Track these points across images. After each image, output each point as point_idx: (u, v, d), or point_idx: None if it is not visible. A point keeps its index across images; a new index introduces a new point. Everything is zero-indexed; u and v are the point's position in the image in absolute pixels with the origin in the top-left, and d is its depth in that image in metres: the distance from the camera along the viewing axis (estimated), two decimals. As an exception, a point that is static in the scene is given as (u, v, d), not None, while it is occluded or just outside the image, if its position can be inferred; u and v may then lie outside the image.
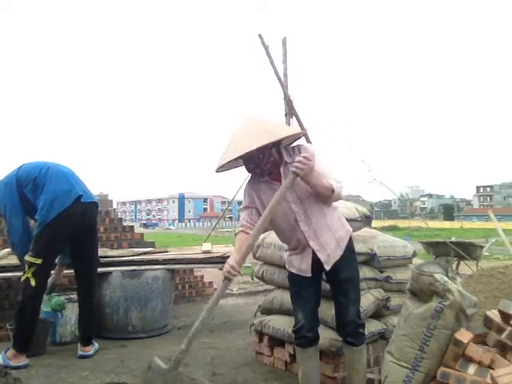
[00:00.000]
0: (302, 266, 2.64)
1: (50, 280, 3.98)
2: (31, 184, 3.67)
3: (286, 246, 2.76)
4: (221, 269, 5.84)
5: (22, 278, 3.62)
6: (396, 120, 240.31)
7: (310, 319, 2.65)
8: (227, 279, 2.46)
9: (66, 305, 4.16)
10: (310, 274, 2.62)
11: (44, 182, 3.66)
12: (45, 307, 3.97)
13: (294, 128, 2.58)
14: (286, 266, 2.78)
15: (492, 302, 3.00)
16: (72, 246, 3.90)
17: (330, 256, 2.60)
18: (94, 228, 4.01)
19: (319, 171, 2.44)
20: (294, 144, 2.66)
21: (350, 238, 2.71)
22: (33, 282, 3.56)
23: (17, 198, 3.68)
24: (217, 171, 2.59)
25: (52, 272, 3.96)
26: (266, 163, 2.50)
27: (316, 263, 2.60)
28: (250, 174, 2.65)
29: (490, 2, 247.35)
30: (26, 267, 3.60)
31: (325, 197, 2.51)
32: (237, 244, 2.60)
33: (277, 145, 2.50)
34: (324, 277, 2.73)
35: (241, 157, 2.45)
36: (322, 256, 2.58)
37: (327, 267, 2.61)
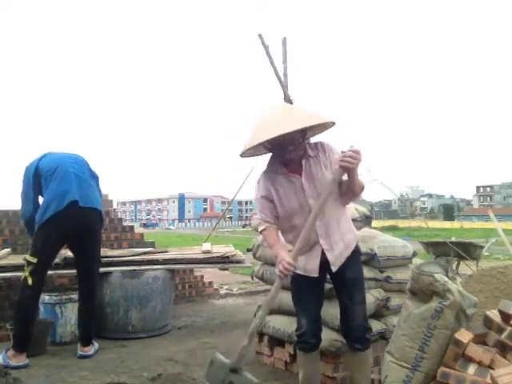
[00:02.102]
0: (308, 265, 2.55)
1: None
2: (43, 179, 3.78)
3: (289, 246, 2.64)
4: (221, 269, 5.88)
5: (22, 278, 3.66)
6: (396, 120, 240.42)
7: (313, 325, 2.60)
8: (283, 277, 2.39)
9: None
10: (317, 275, 2.54)
11: (50, 181, 3.74)
12: None
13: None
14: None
15: (492, 302, 3.00)
16: (73, 247, 3.94)
17: (337, 257, 2.54)
18: (97, 231, 4.01)
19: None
20: (311, 140, 2.59)
21: (357, 243, 2.68)
22: (30, 281, 3.59)
23: (31, 185, 3.79)
24: (242, 155, 2.47)
25: (50, 272, 3.97)
26: (296, 151, 2.42)
27: (322, 264, 2.54)
28: (267, 165, 2.55)
29: (489, 1, 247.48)
30: (25, 266, 3.64)
31: (353, 194, 2.49)
32: (270, 240, 2.52)
33: (304, 135, 2.43)
34: (328, 279, 2.70)
35: (271, 142, 2.35)
36: (330, 256, 2.52)
37: (334, 268, 2.54)
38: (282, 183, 2.48)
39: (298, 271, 2.54)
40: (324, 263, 2.53)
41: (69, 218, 3.68)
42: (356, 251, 2.65)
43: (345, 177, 2.42)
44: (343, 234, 2.56)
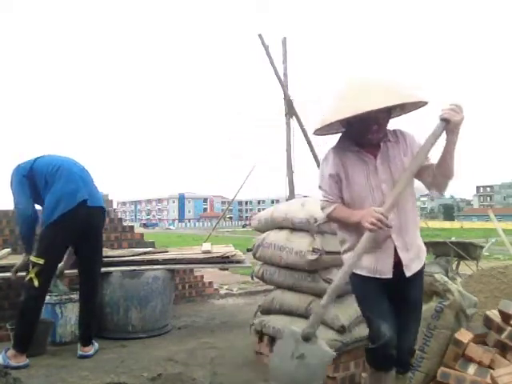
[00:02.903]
0: (379, 265, 2.14)
1: (59, 265, 4.05)
2: (43, 179, 3.70)
3: (345, 245, 2.26)
4: (221, 269, 5.88)
5: (26, 278, 3.63)
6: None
7: (394, 332, 2.12)
8: (374, 230, 2.00)
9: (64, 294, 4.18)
10: (390, 275, 2.14)
11: (53, 181, 3.67)
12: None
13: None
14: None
15: (492, 302, 3.00)
16: (78, 246, 3.92)
17: (411, 261, 2.16)
18: (100, 231, 4.02)
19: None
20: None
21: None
22: (36, 283, 3.56)
23: (25, 184, 3.70)
24: (316, 132, 2.20)
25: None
26: (379, 132, 2.11)
27: (394, 266, 2.15)
28: (338, 142, 2.25)
29: (489, 2, 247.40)
30: (30, 267, 3.61)
31: (445, 177, 2.14)
32: (344, 213, 2.17)
33: (389, 115, 2.15)
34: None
35: (353, 119, 2.01)
36: (404, 257, 2.13)
37: (408, 273, 2.14)
38: (352, 161, 2.16)
39: (362, 272, 2.18)
40: (395, 264, 2.15)
41: (78, 217, 3.65)
42: (423, 267, 2.26)
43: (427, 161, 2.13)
44: (417, 237, 2.24)
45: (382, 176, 2.13)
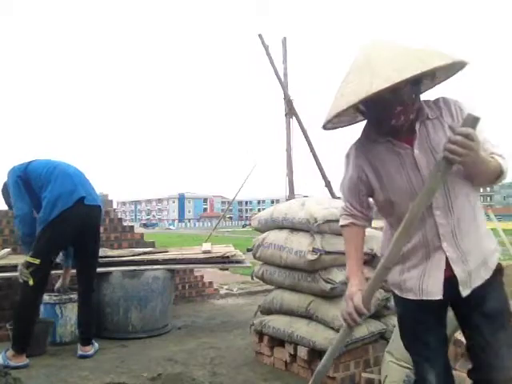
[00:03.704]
0: (425, 282, 1.66)
1: (57, 283, 4.20)
2: (38, 181, 3.73)
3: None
4: (221, 269, 5.88)
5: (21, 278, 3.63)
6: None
7: (444, 378, 1.73)
8: (349, 326, 1.65)
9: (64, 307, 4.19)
10: (440, 297, 1.65)
11: (49, 181, 3.70)
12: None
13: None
14: (391, 288, 1.82)
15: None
16: (74, 246, 3.95)
17: (471, 274, 1.65)
18: (97, 230, 4.04)
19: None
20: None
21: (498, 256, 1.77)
22: (31, 282, 3.57)
23: (21, 185, 3.73)
24: (326, 126, 1.68)
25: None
26: (406, 113, 1.57)
27: (445, 283, 1.65)
28: (361, 133, 1.76)
29: (488, 3, 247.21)
30: (24, 267, 3.61)
31: (486, 179, 1.62)
32: (347, 246, 1.79)
33: (419, 88, 1.60)
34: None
35: (367, 102, 1.50)
36: (458, 271, 1.64)
37: (464, 292, 1.65)
38: (382, 156, 1.67)
39: (407, 296, 1.72)
40: (448, 282, 1.65)
41: (76, 215, 3.68)
42: (498, 271, 1.72)
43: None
44: (481, 237, 1.69)
45: (425, 170, 1.59)
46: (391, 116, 1.56)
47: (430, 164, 1.59)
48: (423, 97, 1.66)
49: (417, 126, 1.62)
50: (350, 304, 1.63)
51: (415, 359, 1.78)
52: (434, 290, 1.65)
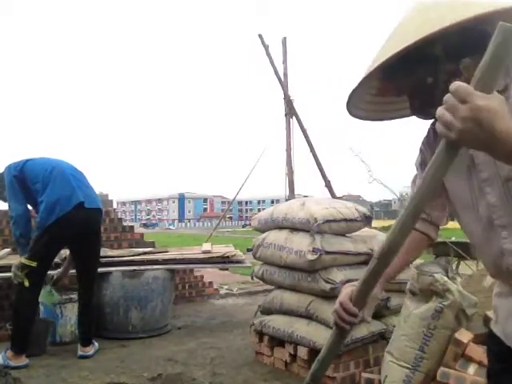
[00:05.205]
0: (506, 324, 1.16)
1: (56, 272, 4.09)
2: (35, 182, 3.67)
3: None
4: (221, 269, 5.88)
5: (16, 280, 3.62)
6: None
7: None
8: (340, 330, 1.19)
9: (62, 304, 4.17)
10: None
11: (47, 183, 3.64)
12: (42, 298, 3.96)
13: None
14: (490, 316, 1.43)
15: (492, 302, 3.00)
16: (75, 248, 3.91)
17: None
18: (98, 232, 4.01)
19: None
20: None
21: None
22: (26, 283, 3.56)
23: (16, 185, 3.66)
24: (351, 113, 1.23)
25: (51, 273, 3.96)
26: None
27: None
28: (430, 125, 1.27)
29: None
30: (19, 268, 3.59)
31: None
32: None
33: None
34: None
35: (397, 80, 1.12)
36: None
37: None
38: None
39: (495, 330, 1.21)
40: None
41: (75, 220, 3.63)
42: None
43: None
44: None
45: (484, 173, 1.10)
46: (428, 94, 1.09)
47: (488, 165, 1.09)
48: None
49: None
50: (338, 303, 1.21)
51: None
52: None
